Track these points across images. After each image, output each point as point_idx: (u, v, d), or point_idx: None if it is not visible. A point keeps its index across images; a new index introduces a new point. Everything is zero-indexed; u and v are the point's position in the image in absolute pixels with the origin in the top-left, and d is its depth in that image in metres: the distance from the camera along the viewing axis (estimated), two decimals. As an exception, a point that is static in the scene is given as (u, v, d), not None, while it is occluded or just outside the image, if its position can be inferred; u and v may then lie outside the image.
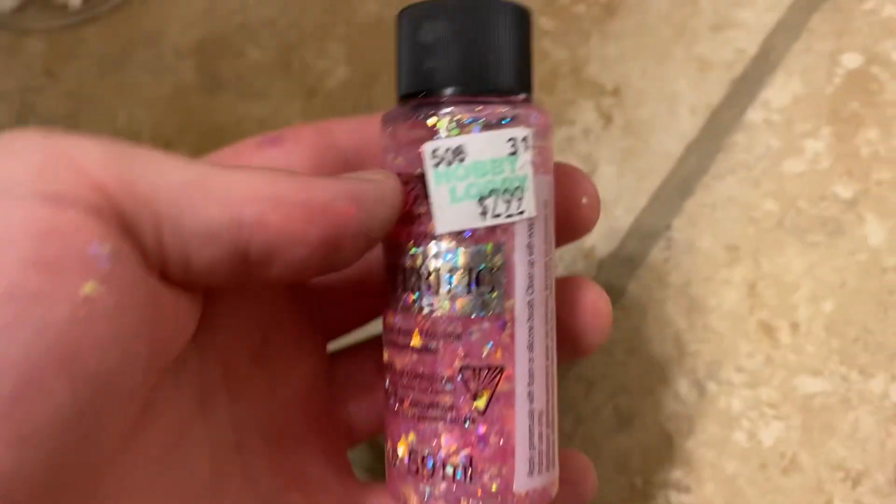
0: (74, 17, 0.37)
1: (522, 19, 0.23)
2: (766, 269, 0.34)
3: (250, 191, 0.19)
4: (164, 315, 0.19)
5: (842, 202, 0.34)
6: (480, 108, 0.22)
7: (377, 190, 0.21)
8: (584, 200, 0.25)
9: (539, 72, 0.35)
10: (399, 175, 0.22)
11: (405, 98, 0.23)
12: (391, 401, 0.23)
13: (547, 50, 0.36)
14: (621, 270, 0.34)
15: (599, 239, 0.35)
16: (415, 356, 0.22)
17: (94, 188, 0.17)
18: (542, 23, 0.36)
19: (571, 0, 0.36)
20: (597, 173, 0.35)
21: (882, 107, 0.35)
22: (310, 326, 0.26)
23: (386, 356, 0.24)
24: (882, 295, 0.33)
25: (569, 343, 0.26)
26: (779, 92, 0.35)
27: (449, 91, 0.22)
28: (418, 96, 0.23)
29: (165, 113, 0.37)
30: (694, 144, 0.35)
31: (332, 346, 0.28)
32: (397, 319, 0.23)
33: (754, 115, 0.35)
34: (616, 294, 0.34)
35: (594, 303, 0.26)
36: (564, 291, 0.26)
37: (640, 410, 0.33)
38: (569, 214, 0.25)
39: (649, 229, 0.35)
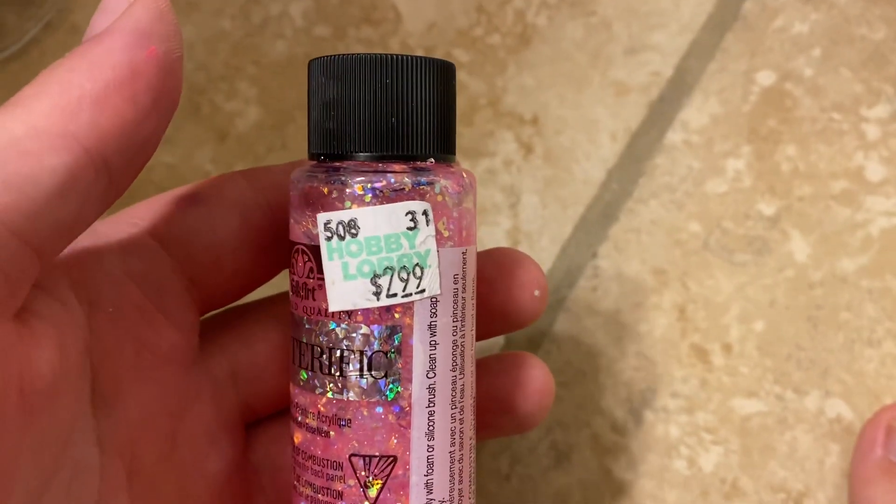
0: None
1: (439, 76, 0.21)
2: (695, 292, 0.33)
3: (59, 114, 0.17)
4: (20, 355, 0.16)
5: (766, 220, 0.34)
6: (378, 177, 0.20)
7: (146, 8, 0.18)
8: (537, 293, 0.24)
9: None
10: (297, 244, 0.21)
11: (312, 157, 0.22)
12: (292, 474, 0.22)
13: (464, 82, 0.36)
14: (550, 301, 0.34)
15: (526, 271, 0.34)
16: (309, 435, 0.21)
17: None
18: (458, 55, 0.36)
19: (486, 31, 0.36)
20: (520, 204, 0.34)
21: (798, 122, 0.35)
22: (225, 409, 0.24)
23: (291, 428, 0.22)
24: (811, 310, 0.33)
25: (513, 421, 0.25)
26: (697, 113, 0.35)
27: (352, 154, 0.21)
28: (320, 158, 0.21)
29: (70, 165, 0.35)
30: (615, 170, 0.35)
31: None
32: (296, 393, 0.22)
33: (674, 136, 0.35)
34: (545, 326, 0.33)
35: (541, 383, 0.25)
36: (509, 370, 0.25)
37: (577, 445, 0.32)
38: (518, 304, 0.24)
39: (576, 258, 0.34)
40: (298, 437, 0.22)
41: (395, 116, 0.20)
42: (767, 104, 0.35)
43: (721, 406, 0.32)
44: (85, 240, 0.21)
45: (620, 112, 0.35)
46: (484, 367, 0.25)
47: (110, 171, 0.18)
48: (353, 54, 0.21)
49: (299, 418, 0.22)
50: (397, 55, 0.21)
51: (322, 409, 0.21)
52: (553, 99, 0.35)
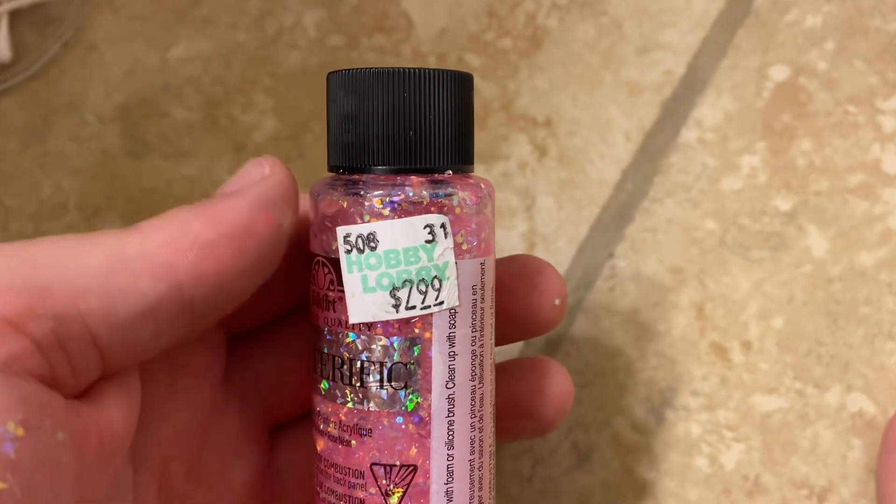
0: (-7, 90, 0.36)
1: (457, 87, 0.21)
2: (713, 290, 0.33)
3: (171, 247, 0.18)
4: (91, 439, 0.18)
5: (782, 215, 0.34)
6: (397, 190, 0.20)
7: (277, 184, 0.20)
8: (557, 301, 0.25)
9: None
10: (317, 256, 0.21)
11: (331, 169, 0.22)
12: (315, 480, 0.23)
13: (476, 86, 0.36)
14: (568, 303, 0.34)
15: (544, 273, 0.34)
16: (331, 443, 0.22)
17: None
18: (469, 59, 0.36)
19: (497, 35, 0.36)
20: (535, 206, 0.35)
21: (813, 117, 0.35)
22: (250, 419, 0.25)
23: (313, 434, 0.23)
24: (830, 305, 0.33)
25: (533, 425, 0.26)
26: (710, 110, 0.35)
27: (371, 168, 0.21)
28: (339, 171, 0.22)
29: (92, 181, 0.36)
30: (630, 169, 0.35)
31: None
32: (317, 402, 0.22)
33: (688, 135, 0.35)
34: (564, 327, 0.34)
35: (560, 388, 0.25)
36: (530, 376, 0.25)
37: (599, 445, 0.32)
38: (538, 312, 0.25)
39: (592, 259, 0.34)
40: (321, 444, 0.22)
41: (412, 129, 0.21)
42: (781, 99, 0.35)
43: (742, 403, 0.32)
44: None
45: (634, 111, 0.35)
46: (503, 371, 0.25)
47: (194, 310, 0.19)
48: (370, 68, 0.21)
49: (321, 426, 0.22)
50: (414, 69, 0.21)
51: (343, 418, 0.21)
52: (566, 100, 0.36)
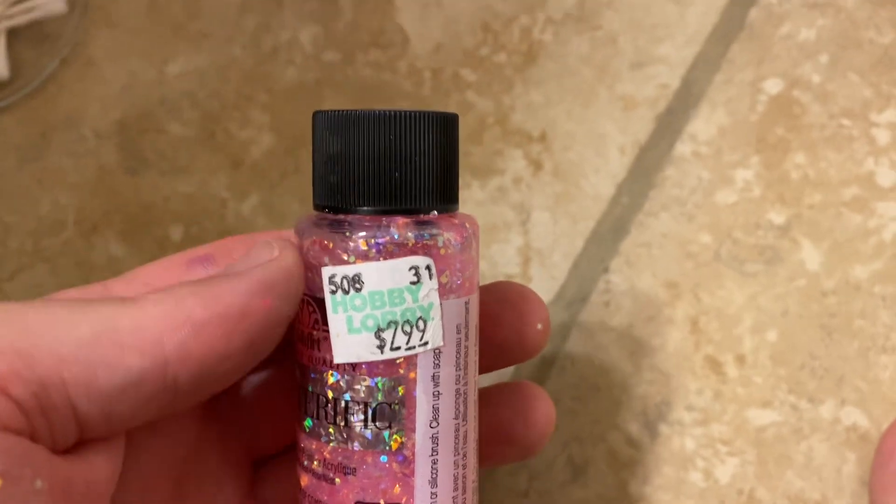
0: (-9, 106, 0.36)
1: (442, 128, 0.22)
2: (708, 304, 0.34)
3: (163, 324, 0.18)
4: (76, 488, 0.18)
5: (776, 229, 0.34)
6: (382, 232, 0.21)
7: (281, 269, 0.20)
8: (540, 326, 0.25)
9: (465, 124, 0.35)
10: (303, 295, 0.21)
11: (317, 207, 0.22)
12: None
13: (471, 101, 0.36)
14: (563, 317, 0.34)
15: (538, 287, 0.34)
16: (315, 480, 0.22)
17: None
18: (465, 74, 0.36)
19: (492, 49, 0.36)
20: (530, 221, 0.35)
21: (807, 130, 0.35)
22: (232, 451, 0.25)
23: (297, 470, 0.23)
24: (824, 319, 0.33)
25: (516, 451, 0.26)
26: (705, 124, 0.35)
27: (355, 209, 0.21)
28: (325, 209, 0.22)
29: (90, 197, 0.36)
30: (625, 184, 0.35)
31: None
32: (302, 438, 0.22)
33: (683, 148, 0.35)
34: (559, 342, 0.34)
35: (543, 413, 0.26)
36: (513, 402, 0.25)
37: (594, 459, 0.32)
38: (522, 339, 0.25)
39: (587, 274, 0.34)
40: (305, 480, 0.22)
41: (398, 171, 0.21)
42: (775, 112, 0.35)
43: (736, 417, 0.32)
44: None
45: (628, 126, 0.36)
46: (485, 397, 0.25)
47: (177, 389, 0.19)
48: (355, 110, 0.21)
49: (305, 463, 0.22)
50: (399, 111, 0.21)
51: (328, 456, 0.21)
52: (561, 115, 0.36)
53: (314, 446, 0.22)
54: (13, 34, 0.37)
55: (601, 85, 0.36)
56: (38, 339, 0.17)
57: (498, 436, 0.25)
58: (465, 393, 0.22)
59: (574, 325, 0.34)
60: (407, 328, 0.20)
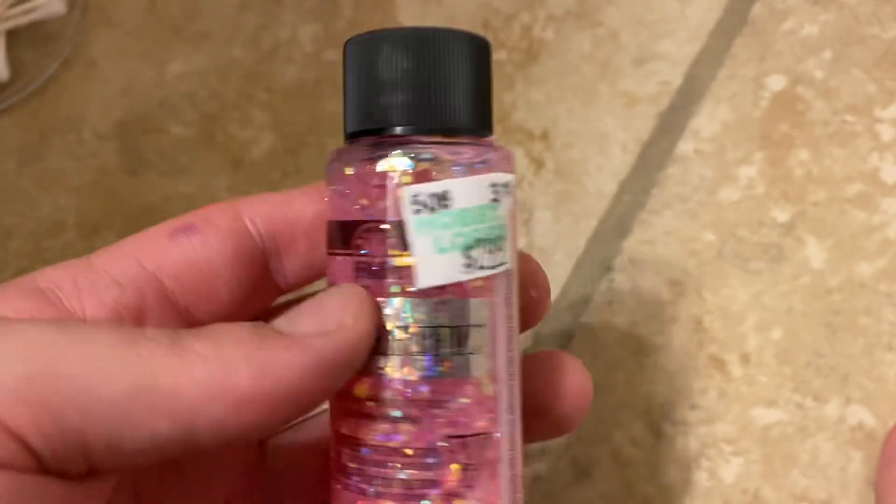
0: (-9, 108, 0.36)
1: (484, 53, 0.21)
2: (712, 302, 0.33)
3: (205, 391, 0.17)
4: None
5: (780, 226, 0.34)
6: (462, 150, 0.20)
7: (350, 345, 0.18)
8: (533, 293, 0.24)
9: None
10: (360, 223, 0.20)
11: (356, 137, 0.21)
12: (343, 477, 0.21)
13: (472, 99, 0.36)
14: (566, 317, 0.34)
15: (541, 286, 0.34)
16: (387, 426, 0.20)
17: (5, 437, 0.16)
18: (465, 72, 0.36)
19: (492, 47, 0.36)
20: (532, 220, 0.35)
21: (811, 126, 0.35)
22: None
23: (346, 430, 0.21)
24: (828, 316, 0.33)
25: (550, 424, 0.24)
26: (707, 121, 0.35)
27: (414, 130, 0.20)
28: (377, 134, 0.20)
29: (90, 198, 0.36)
30: (628, 181, 0.35)
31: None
32: (366, 386, 0.20)
33: (685, 146, 0.35)
34: (562, 341, 0.34)
35: (580, 385, 0.24)
36: (547, 371, 0.24)
37: (598, 459, 0.32)
38: (524, 305, 0.24)
39: (590, 273, 0.34)
40: (368, 434, 0.20)
41: (462, 91, 0.20)
42: (779, 109, 0.35)
43: (740, 416, 0.32)
44: (81, 273, 0.21)
45: (631, 123, 0.35)
46: None
47: (198, 447, 0.17)
48: (442, 28, 0.21)
49: (370, 411, 0.20)
50: (476, 35, 0.21)
51: (407, 393, 0.20)
52: (562, 113, 0.36)
53: (386, 388, 0.20)
54: (13, 35, 0.37)
55: (603, 82, 0.36)
56: (69, 393, 0.16)
57: (528, 408, 0.24)
58: (512, 317, 0.21)
59: (577, 324, 0.34)
60: (490, 247, 0.20)
